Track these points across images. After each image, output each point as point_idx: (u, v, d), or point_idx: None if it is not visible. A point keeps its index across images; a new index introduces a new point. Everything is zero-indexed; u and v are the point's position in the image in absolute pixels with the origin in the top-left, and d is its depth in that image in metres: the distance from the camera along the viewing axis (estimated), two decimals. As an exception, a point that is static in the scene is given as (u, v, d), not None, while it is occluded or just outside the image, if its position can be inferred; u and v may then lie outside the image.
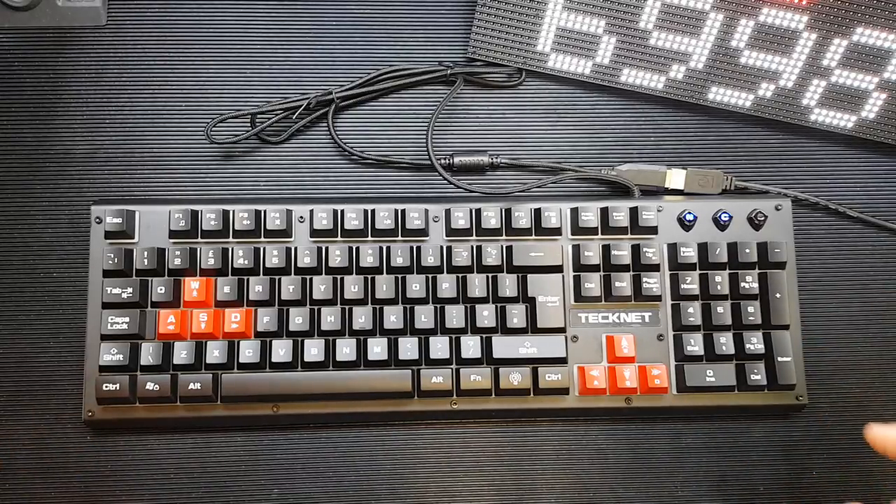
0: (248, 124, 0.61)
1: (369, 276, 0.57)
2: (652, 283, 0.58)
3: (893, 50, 0.59)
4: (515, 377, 0.56)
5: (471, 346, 0.56)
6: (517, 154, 0.63)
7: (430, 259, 0.57)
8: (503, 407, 0.57)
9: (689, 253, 0.58)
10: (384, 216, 0.58)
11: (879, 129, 0.62)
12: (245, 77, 0.63)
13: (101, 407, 0.56)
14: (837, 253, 0.62)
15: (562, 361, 0.57)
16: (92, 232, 0.57)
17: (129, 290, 0.56)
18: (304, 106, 0.60)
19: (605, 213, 0.59)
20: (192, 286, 0.56)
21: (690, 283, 0.58)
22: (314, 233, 0.58)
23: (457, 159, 0.61)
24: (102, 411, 0.56)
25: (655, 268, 0.58)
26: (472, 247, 0.58)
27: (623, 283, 0.57)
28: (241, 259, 0.57)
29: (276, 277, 0.57)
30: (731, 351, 0.57)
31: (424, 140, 0.61)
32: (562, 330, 0.57)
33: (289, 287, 0.57)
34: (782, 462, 0.59)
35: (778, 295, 0.58)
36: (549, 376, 0.56)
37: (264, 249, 0.57)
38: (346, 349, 0.56)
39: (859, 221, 0.63)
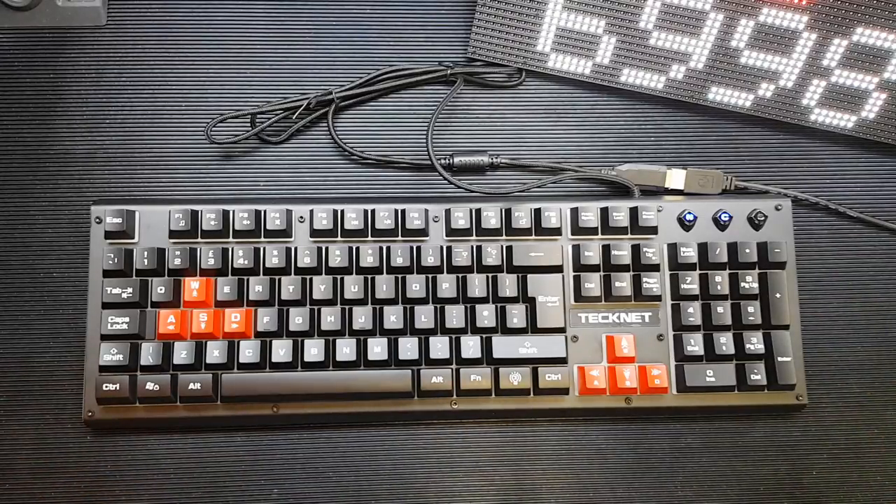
0: (248, 124, 0.61)
1: (369, 276, 0.57)
2: (652, 283, 0.58)
3: (893, 50, 0.59)
4: (515, 377, 0.56)
5: (471, 346, 0.56)
6: (517, 154, 0.63)
7: (430, 259, 0.57)
8: (503, 407, 0.57)
9: (689, 253, 0.58)
10: (384, 216, 0.58)
11: (879, 129, 0.62)
12: (245, 77, 0.63)
13: (101, 407, 0.56)
14: (837, 253, 0.62)
15: (562, 361, 0.57)
16: (92, 232, 0.57)
17: (129, 290, 0.56)
18: (304, 106, 0.60)
19: (605, 213, 0.59)
20: (192, 286, 0.56)
21: (690, 283, 0.58)
22: (314, 233, 0.58)
23: (457, 159, 0.61)
24: (102, 411, 0.56)
25: (655, 268, 0.58)
26: (472, 247, 0.58)
27: (623, 283, 0.57)
28: (241, 259, 0.57)
29: (276, 277, 0.57)
30: (731, 351, 0.57)
31: (424, 140, 0.61)
32: (562, 330, 0.57)
33: (289, 287, 0.57)
34: (782, 462, 0.59)
35: (778, 295, 0.58)
36: (549, 376, 0.56)
37: (264, 249, 0.57)
38: (346, 349, 0.56)
39: (859, 221, 0.63)
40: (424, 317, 0.57)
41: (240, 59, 0.64)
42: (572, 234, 0.59)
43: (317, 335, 0.57)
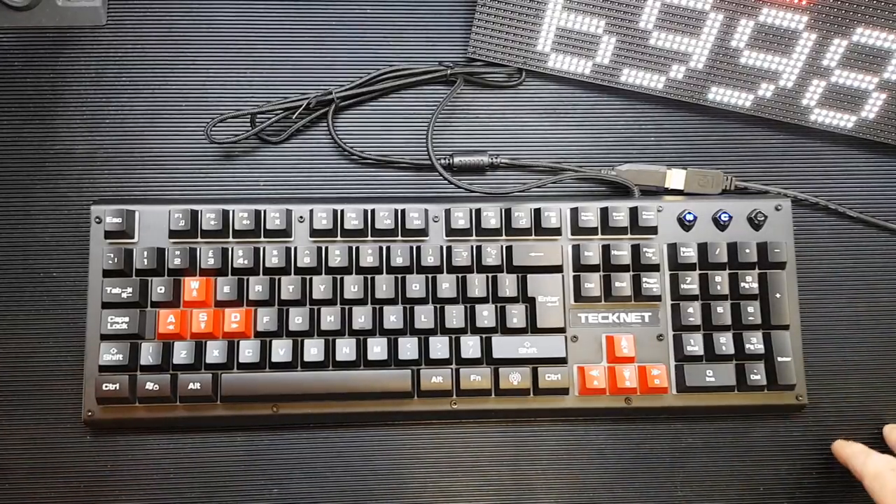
0: (248, 124, 0.61)
1: (369, 276, 0.57)
2: (652, 283, 0.58)
3: (893, 50, 0.59)
4: (515, 377, 0.56)
5: (471, 346, 0.56)
6: (517, 154, 0.63)
7: (430, 259, 0.57)
8: (503, 407, 0.57)
9: (689, 253, 0.58)
10: (384, 216, 0.58)
11: (879, 129, 0.62)
12: (245, 77, 0.63)
13: (100, 407, 0.56)
14: (837, 253, 0.62)
15: (562, 361, 0.57)
16: (92, 232, 0.57)
17: (129, 290, 0.56)
18: (304, 106, 0.60)
19: (605, 213, 0.59)
20: (192, 286, 0.56)
21: (690, 283, 0.58)
22: (314, 233, 0.58)
23: (457, 159, 0.61)
24: (102, 411, 0.56)
25: (655, 268, 0.58)
26: (472, 247, 0.58)
27: (623, 283, 0.57)
28: (241, 259, 0.57)
29: (276, 277, 0.57)
30: (731, 351, 0.57)
31: (424, 140, 0.61)
32: (562, 330, 0.57)
33: (289, 287, 0.57)
34: (782, 462, 0.59)
35: (778, 295, 0.58)
36: (549, 376, 0.56)
37: (264, 249, 0.57)
38: (345, 349, 0.56)
39: (859, 221, 0.63)
40: (424, 317, 0.57)
41: (240, 59, 0.64)
42: (572, 234, 0.59)
43: (316, 335, 0.57)
